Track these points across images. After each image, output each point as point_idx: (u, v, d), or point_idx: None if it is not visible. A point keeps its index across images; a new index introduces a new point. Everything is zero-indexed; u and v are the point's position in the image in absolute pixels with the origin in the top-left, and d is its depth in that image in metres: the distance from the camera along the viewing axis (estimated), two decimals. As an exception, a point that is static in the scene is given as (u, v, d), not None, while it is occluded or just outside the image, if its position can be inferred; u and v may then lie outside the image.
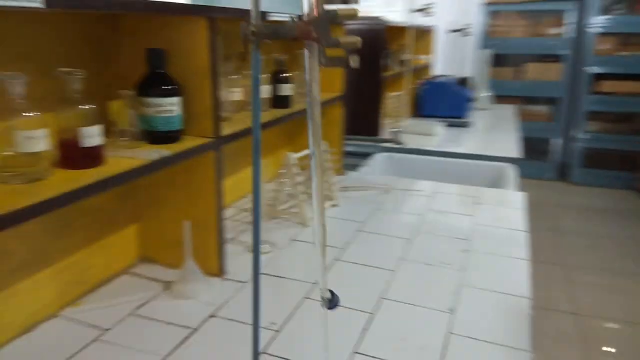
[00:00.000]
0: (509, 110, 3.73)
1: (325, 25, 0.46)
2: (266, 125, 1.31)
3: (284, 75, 1.46)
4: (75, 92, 0.85)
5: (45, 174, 0.80)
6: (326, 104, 1.75)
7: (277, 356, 0.89)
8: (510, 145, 2.55)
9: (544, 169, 4.98)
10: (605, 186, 4.72)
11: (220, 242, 1.16)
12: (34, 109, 0.77)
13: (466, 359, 0.89)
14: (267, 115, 1.36)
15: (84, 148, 0.85)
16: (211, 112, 1.08)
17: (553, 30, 4.72)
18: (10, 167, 0.77)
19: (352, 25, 2.34)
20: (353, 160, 2.34)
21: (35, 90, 0.83)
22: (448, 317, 1.01)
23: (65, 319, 0.98)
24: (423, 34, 3.55)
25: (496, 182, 2.19)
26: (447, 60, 4.38)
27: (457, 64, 4.39)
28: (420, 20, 3.01)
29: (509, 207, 1.65)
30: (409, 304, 1.06)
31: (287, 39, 0.49)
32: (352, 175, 1.99)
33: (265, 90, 1.41)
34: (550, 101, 4.91)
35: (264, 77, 1.40)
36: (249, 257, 1.26)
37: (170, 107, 1.01)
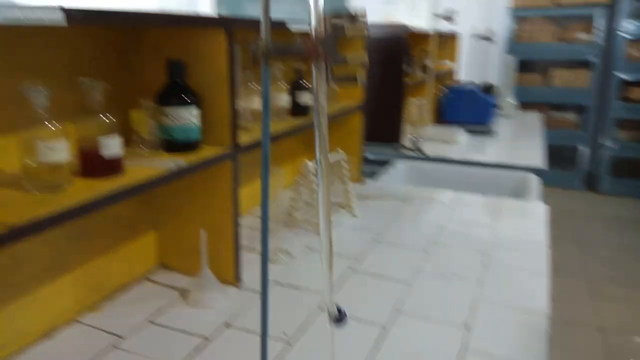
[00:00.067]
0: (534, 118, 3.67)
1: (332, 43, 0.47)
2: (283, 135, 1.32)
3: (303, 83, 1.46)
4: (96, 102, 0.87)
5: (65, 183, 0.82)
6: (345, 113, 1.75)
7: (288, 368, 0.89)
8: (534, 154, 2.50)
9: (571, 178, 4.87)
10: (633, 196, 4.59)
11: (236, 251, 1.17)
12: (55, 119, 0.79)
13: (480, 377, 0.87)
14: (285, 124, 1.37)
15: (104, 157, 0.87)
16: (229, 122, 1.09)
17: (581, 36, 4.62)
18: (32, 177, 0.79)
19: (374, 31, 2.34)
20: (373, 167, 2.33)
21: (58, 100, 0.85)
22: (463, 332, 0.99)
23: (83, 325, 1.00)
24: (447, 40, 3.52)
25: (519, 192, 2.15)
26: (471, 66, 4.33)
27: (481, 70, 4.34)
28: (444, 26, 2.98)
29: (530, 219, 1.62)
30: (423, 318, 1.04)
31: (295, 57, 0.49)
32: (371, 183, 1.99)
33: (284, 99, 1.42)
34: (578, 108, 4.81)
35: (283, 86, 1.41)
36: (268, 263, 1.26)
37: (189, 117, 1.03)
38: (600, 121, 4.70)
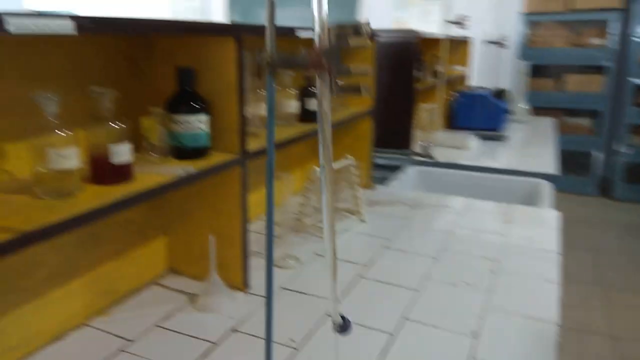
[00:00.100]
0: (547, 123, 3.64)
1: (336, 54, 0.47)
2: (291, 141, 1.32)
3: (312, 90, 1.47)
4: (107, 109, 0.88)
5: (75, 189, 0.83)
6: (355, 119, 1.75)
7: (294, 374, 0.89)
8: (546, 159, 2.48)
9: (585, 184, 4.81)
10: (649, 202, 4.52)
11: (245, 256, 1.17)
12: (66, 126, 0.80)
13: (487, 386, 0.86)
14: (294, 130, 1.37)
15: (114, 164, 0.88)
16: (237, 128, 1.10)
17: (595, 41, 4.58)
18: (42, 183, 0.80)
19: (384, 37, 2.34)
20: (383, 172, 2.33)
21: (69, 108, 0.87)
22: (471, 341, 0.99)
23: (93, 329, 1.01)
24: (459, 45, 3.51)
25: (531, 199, 2.13)
26: (483, 71, 4.31)
27: (494, 74, 4.32)
28: (455, 32, 2.98)
29: (541, 226, 1.60)
30: (431, 325, 1.04)
31: (299, 68, 0.49)
32: (381, 189, 1.98)
33: (293, 105, 1.42)
34: (592, 113, 4.75)
35: (292, 92, 1.41)
36: (274, 271, 1.26)
37: (198, 124, 1.04)
38: (615, 127, 4.64)
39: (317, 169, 1.46)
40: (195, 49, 1.07)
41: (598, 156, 4.78)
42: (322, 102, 0.52)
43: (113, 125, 0.88)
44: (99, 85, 0.88)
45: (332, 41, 0.47)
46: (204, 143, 1.06)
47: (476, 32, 3.79)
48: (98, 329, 1.01)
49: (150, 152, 1.06)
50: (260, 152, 1.18)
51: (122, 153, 0.88)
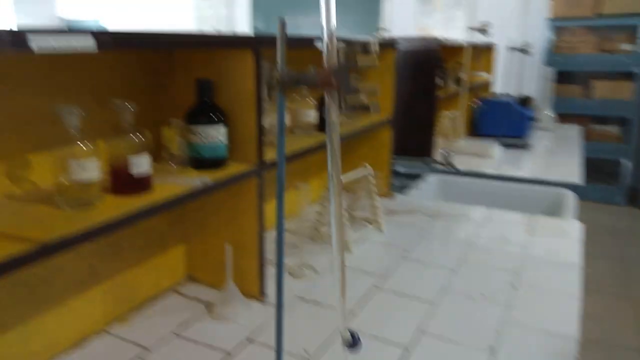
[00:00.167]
0: (573, 131, 3.57)
1: (345, 73, 0.47)
2: (310, 150, 1.33)
3: (331, 100, 1.47)
4: (127, 121, 0.90)
5: (96, 200, 0.85)
6: (374, 128, 1.75)
7: (308, 386, 0.89)
8: (571, 168, 2.43)
9: (612, 193, 4.69)
10: (680, 212, 4.38)
11: (261, 266, 1.18)
12: (88, 138, 0.83)
13: (503, 404, 0.85)
14: (312, 139, 1.38)
15: (133, 175, 0.90)
16: (255, 139, 1.11)
17: (624, 46, 4.47)
18: (64, 194, 0.82)
19: (405, 44, 2.33)
20: (404, 181, 2.32)
21: (91, 120, 0.89)
22: (488, 356, 0.97)
23: (112, 336, 1.03)
24: (483, 52, 3.47)
25: (554, 209, 2.09)
26: (508, 77, 4.25)
27: (518, 81, 4.26)
28: (479, 38, 2.95)
29: (564, 238, 1.57)
30: (447, 340, 1.03)
31: (309, 86, 0.50)
32: (400, 198, 1.97)
33: (311, 115, 1.43)
34: (621, 121, 4.64)
35: (311, 102, 1.42)
36: (290, 281, 1.27)
37: (216, 135, 1.05)
38: (645, 134, 4.52)
39: (335, 178, 1.47)
40: (215, 61, 1.09)
41: (627, 165, 4.66)
42: (331, 114, 0.52)
43: (133, 137, 0.90)
44: (121, 97, 0.91)
45: (341, 60, 0.47)
46: (222, 154, 1.08)
47: (501, 38, 3.74)
48: (117, 336, 1.03)
49: (170, 162, 1.08)
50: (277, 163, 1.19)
51: (141, 164, 0.90)
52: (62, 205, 0.82)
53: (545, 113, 3.64)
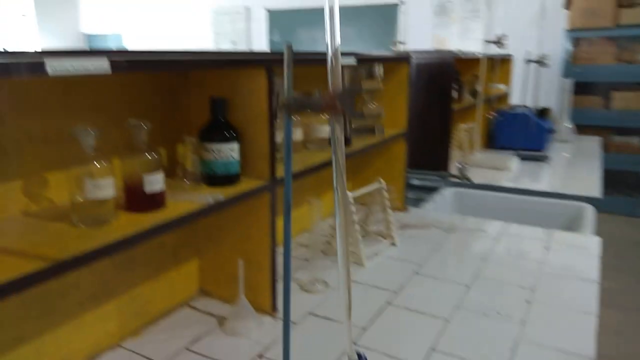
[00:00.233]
0: (592, 142, 3.51)
1: (349, 98, 0.48)
2: (323, 165, 1.34)
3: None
4: (142, 140, 0.92)
5: (110, 217, 0.87)
6: (388, 141, 1.75)
7: (318, 404, 0.89)
8: (590, 181, 2.39)
9: (634, 205, 4.59)
10: None
11: (273, 281, 1.19)
12: (103, 156, 0.85)
13: None
14: (326, 154, 1.38)
15: (147, 193, 0.92)
16: (267, 155, 1.12)
17: (645, 57, 4.41)
18: (79, 211, 0.84)
19: (420, 58, 2.34)
20: (419, 194, 2.31)
21: (106, 138, 0.91)
22: (500, 375, 0.96)
23: (125, 350, 1.05)
24: (500, 63, 3.46)
25: (572, 223, 2.06)
26: (525, 89, 4.22)
27: (536, 93, 4.22)
28: (496, 50, 2.94)
29: (581, 253, 1.54)
30: (460, 358, 1.02)
31: (314, 110, 0.51)
32: (415, 212, 1.96)
33: (325, 130, 1.44)
34: (642, 131, 4.56)
35: (323, 117, 1.43)
36: (301, 295, 1.27)
37: (229, 152, 1.07)
38: (668, 145, 4.43)
39: (349, 192, 1.47)
40: (228, 79, 1.11)
41: (649, 176, 4.56)
42: (336, 130, 0.53)
43: (147, 155, 0.92)
44: (136, 116, 0.93)
45: (346, 84, 0.48)
46: (234, 170, 1.09)
47: (518, 49, 3.72)
48: (130, 350, 1.05)
49: (184, 179, 1.10)
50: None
51: (155, 182, 0.92)
52: (77, 222, 0.84)
53: (564, 125, 3.60)
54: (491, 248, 1.59)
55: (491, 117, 3.18)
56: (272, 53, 1.09)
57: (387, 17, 5.74)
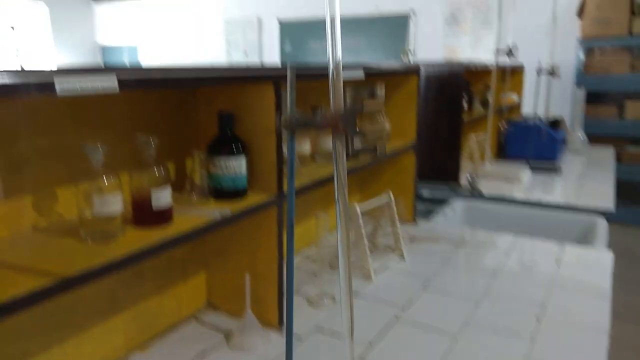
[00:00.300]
0: (605, 153, 3.47)
1: (351, 117, 0.48)
2: (331, 178, 1.33)
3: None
4: (150, 156, 0.93)
5: (118, 232, 0.87)
6: (398, 153, 1.74)
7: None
8: (604, 193, 2.36)
9: (650, 216, 4.52)
10: None
11: (280, 295, 1.18)
12: (112, 170, 0.86)
13: None
14: (332, 168, 1.38)
15: (155, 208, 0.92)
16: (275, 169, 1.12)
17: (659, 66, 4.35)
18: (87, 226, 0.85)
19: (430, 69, 2.33)
20: (429, 205, 2.29)
21: (115, 154, 0.92)
22: (509, 394, 0.95)
23: (131, 363, 1.05)
24: (512, 73, 3.44)
25: (585, 237, 2.03)
26: (537, 99, 4.19)
27: (548, 103, 4.19)
28: (507, 60, 2.93)
29: (594, 268, 1.52)
30: (468, 375, 1.00)
31: (317, 129, 0.51)
32: (424, 225, 1.95)
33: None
34: (658, 142, 4.49)
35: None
36: (308, 310, 1.27)
37: (237, 166, 1.07)
38: (684, 156, 4.36)
39: (357, 205, 1.47)
40: (236, 94, 1.12)
41: (665, 187, 4.49)
42: (339, 162, 0.53)
43: (155, 170, 0.92)
44: (145, 131, 0.94)
45: (348, 104, 0.48)
46: (241, 184, 1.09)
47: (529, 59, 3.70)
48: (137, 364, 1.05)
49: (192, 193, 1.11)
50: (298, 192, 1.20)
51: (163, 197, 0.92)
52: (85, 237, 0.85)
53: (577, 135, 3.57)
54: (501, 262, 1.57)
55: (502, 127, 3.16)
56: (280, 68, 1.10)
57: (398, 27, 5.75)
